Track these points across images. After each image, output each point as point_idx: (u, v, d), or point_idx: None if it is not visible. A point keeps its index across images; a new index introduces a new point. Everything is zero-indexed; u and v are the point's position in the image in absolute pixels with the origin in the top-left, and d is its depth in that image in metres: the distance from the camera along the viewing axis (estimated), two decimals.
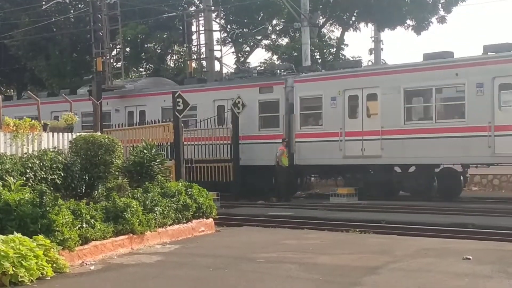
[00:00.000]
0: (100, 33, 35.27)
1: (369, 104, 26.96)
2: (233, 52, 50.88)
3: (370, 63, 34.22)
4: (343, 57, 45.77)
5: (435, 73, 25.20)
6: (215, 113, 30.60)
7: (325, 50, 44.74)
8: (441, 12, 41.36)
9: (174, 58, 51.17)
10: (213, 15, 40.51)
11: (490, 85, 23.82)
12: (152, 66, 49.47)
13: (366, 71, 28.26)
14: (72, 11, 48.71)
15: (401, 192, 27.98)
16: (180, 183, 17.01)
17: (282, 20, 46.94)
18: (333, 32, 48.49)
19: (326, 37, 47.71)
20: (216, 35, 40.94)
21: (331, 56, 45.85)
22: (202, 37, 38.50)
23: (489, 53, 24.90)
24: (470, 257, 11.84)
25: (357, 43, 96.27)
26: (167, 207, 15.12)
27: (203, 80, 34.44)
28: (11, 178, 12.79)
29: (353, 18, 44.52)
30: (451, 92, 25.63)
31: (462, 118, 24.67)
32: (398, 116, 25.98)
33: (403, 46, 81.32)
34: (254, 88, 28.75)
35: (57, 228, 11.69)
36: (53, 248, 11.17)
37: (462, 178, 27.51)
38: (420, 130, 25.48)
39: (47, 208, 11.77)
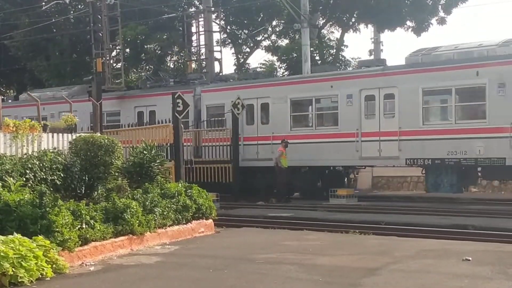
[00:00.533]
0: (100, 34, 35.29)
1: (263, 112, 29.86)
2: (233, 53, 50.97)
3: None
4: (342, 58, 45.83)
5: (316, 85, 28.48)
6: (135, 119, 32.85)
7: (325, 51, 44.76)
8: (441, 14, 41.44)
9: (174, 59, 51.23)
10: (213, 16, 40.57)
11: (358, 96, 27.16)
12: (152, 67, 49.51)
13: (260, 83, 30.94)
14: (72, 12, 48.75)
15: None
16: (179, 184, 17.01)
17: (282, 21, 46.95)
18: (333, 33, 48.60)
19: (326, 38, 47.74)
20: (216, 36, 41.04)
21: (331, 57, 45.88)
22: (202, 38, 38.53)
23: (362, 67, 28.66)
24: (470, 259, 11.84)
25: (357, 44, 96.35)
26: (166, 208, 15.12)
27: (131, 88, 37.34)
28: (11, 178, 12.79)
29: (353, 19, 44.56)
30: (327, 102, 28.90)
31: (336, 126, 27.93)
32: (287, 122, 29.02)
33: (403, 47, 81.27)
34: (168, 96, 28.42)
35: (57, 229, 11.69)
36: (53, 249, 11.17)
37: (346, 178, 31.10)
38: (303, 136, 28.54)
39: (47, 209, 11.77)
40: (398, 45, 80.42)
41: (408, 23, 41.67)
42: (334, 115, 28.12)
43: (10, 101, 40.13)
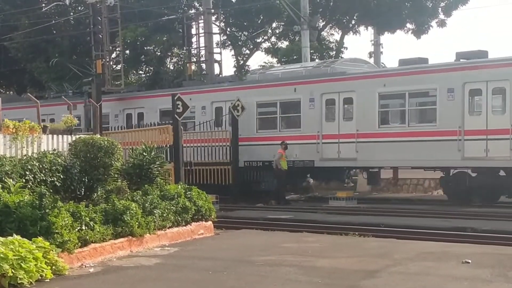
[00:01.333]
0: (100, 36, 35.33)
1: (140, 121, 32.88)
2: (232, 55, 50.99)
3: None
4: None
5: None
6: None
7: (324, 53, 44.79)
8: (441, 16, 41.47)
9: (174, 60, 51.23)
10: (213, 18, 40.60)
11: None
12: (152, 68, 49.49)
13: (137, 95, 34.74)
14: (72, 14, 48.73)
15: None
16: (179, 186, 17.01)
17: (282, 23, 47.00)
18: (333, 35, 48.63)
19: (326, 40, 47.77)
20: (216, 38, 41.06)
21: (331, 59, 45.88)
22: (202, 39, 38.55)
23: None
24: (470, 261, 11.84)
25: (357, 46, 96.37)
26: (166, 210, 15.12)
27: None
28: (11, 180, 12.79)
29: (353, 22, 44.60)
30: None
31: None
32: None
33: (403, 49, 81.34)
34: (64, 105, 28.48)
35: (57, 230, 11.69)
36: (53, 250, 11.18)
37: None
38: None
39: (47, 210, 11.77)
40: (399, 47, 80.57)
41: (408, 25, 41.72)
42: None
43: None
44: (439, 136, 25.33)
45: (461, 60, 25.72)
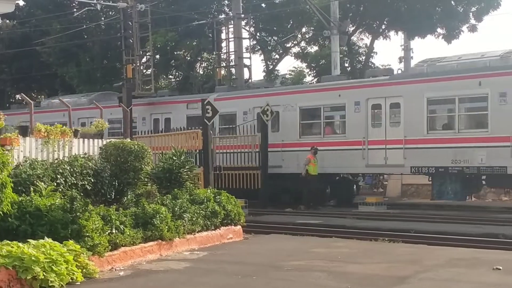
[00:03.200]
0: (131, 40, 35.50)
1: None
2: (262, 60, 51.05)
3: (399, 71, 33.77)
4: (372, 65, 45.68)
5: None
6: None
7: (354, 59, 44.69)
8: (472, 21, 41.14)
9: (204, 65, 51.40)
10: (243, 22, 40.69)
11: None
12: (182, 73, 49.71)
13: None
14: (103, 19, 49.14)
15: None
16: (208, 190, 17.05)
17: (312, 28, 46.95)
18: (363, 40, 48.47)
19: (356, 45, 47.65)
20: (246, 43, 41.14)
21: (360, 64, 45.77)
22: (232, 44, 38.63)
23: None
24: (501, 268, 11.73)
25: (387, 51, 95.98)
26: (195, 214, 15.17)
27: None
28: (42, 183, 12.89)
29: (383, 26, 44.41)
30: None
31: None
32: None
33: (433, 54, 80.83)
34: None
35: (87, 234, 11.77)
36: (83, 254, 11.25)
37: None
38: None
39: (78, 214, 11.85)
40: (429, 52, 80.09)
41: (439, 30, 41.43)
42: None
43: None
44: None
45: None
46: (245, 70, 39.19)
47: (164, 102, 34.61)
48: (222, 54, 40.55)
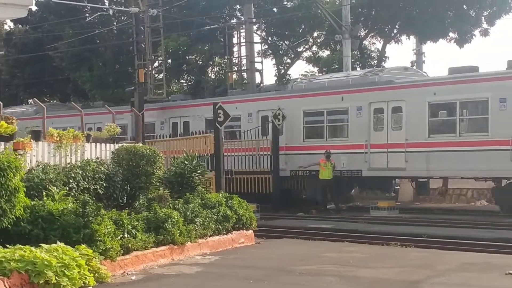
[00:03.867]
0: (143, 45, 35.63)
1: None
2: (274, 64, 51.09)
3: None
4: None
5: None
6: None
7: (366, 63, 44.65)
8: (484, 25, 41.07)
9: (215, 70, 51.49)
10: (254, 27, 40.72)
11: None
12: (193, 77, 49.81)
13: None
14: (115, 23, 49.33)
15: None
16: (220, 195, 17.07)
17: (323, 32, 46.99)
18: (375, 44, 48.44)
19: (367, 49, 47.61)
20: (257, 47, 41.18)
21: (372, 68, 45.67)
22: (243, 49, 38.68)
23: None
24: None
25: (399, 55, 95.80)
26: (207, 218, 15.17)
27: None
28: (55, 188, 12.93)
29: (395, 31, 44.40)
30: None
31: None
32: None
33: (445, 58, 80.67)
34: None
35: (99, 238, 11.80)
36: (95, 258, 11.28)
37: None
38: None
39: (90, 218, 11.88)
40: (441, 56, 79.88)
41: (451, 34, 41.40)
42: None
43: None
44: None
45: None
46: (257, 74, 39.24)
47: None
48: (233, 59, 40.64)
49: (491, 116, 24.82)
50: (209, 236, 15.17)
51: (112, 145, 16.41)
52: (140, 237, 12.92)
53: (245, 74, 39.46)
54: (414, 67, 41.09)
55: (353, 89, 28.48)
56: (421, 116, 26.33)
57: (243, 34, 38.94)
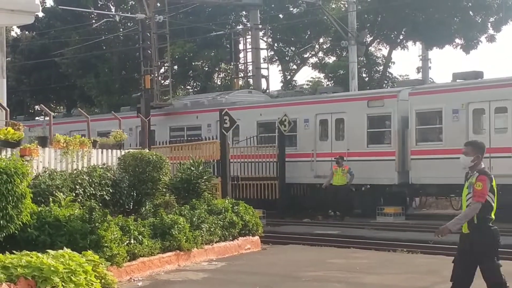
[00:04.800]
0: (149, 51, 35.68)
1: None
2: (280, 70, 51.16)
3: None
4: (389, 75, 45.65)
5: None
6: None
7: (372, 69, 44.67)
8: (490, 31, 41.03)
9: (221, 76, 51.56)
10: (260, 33, 40.77)
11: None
12: (199, 83, 49.88)
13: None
14: (121, 30, 49.45)
15: None
16: (226, 201, 17.07)
17: (329, 39, 47.02)
18: (381, 50, 48.46)
19: (373, 55, 47.63)
20: (263, 53, 41.21)
21: (378, 74, 45.72)
22: (249, 55, 38.72)
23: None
24: None
25: (405, 61, 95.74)
26: (213, 224, 15.18)
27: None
28: (61, 194, 12.95)
29: (401, 37, 44.37)
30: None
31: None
32: None
33: (451, 64, 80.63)
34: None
35: (106, 244, 11.82)
36: (102, 264, 11.28)
37: None
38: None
39: (96, 224, 11.90)
40: (447, 62, 79.82)
41: (457, 40, 41.34)
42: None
43: None
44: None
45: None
46: (263, 80, 39.28)
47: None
48: (239, 65, 40.72)
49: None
50: (215, 242, 15.19)
51: (118, 151, 16.43)
52: (146, 243, 12.93)
53: (251, 80, 39.50)
54: (280, 89, 42.18)
55: (205, 109, 31.94)
56: (253, 133, 30.15)
57: (249, 40, 39.02)
